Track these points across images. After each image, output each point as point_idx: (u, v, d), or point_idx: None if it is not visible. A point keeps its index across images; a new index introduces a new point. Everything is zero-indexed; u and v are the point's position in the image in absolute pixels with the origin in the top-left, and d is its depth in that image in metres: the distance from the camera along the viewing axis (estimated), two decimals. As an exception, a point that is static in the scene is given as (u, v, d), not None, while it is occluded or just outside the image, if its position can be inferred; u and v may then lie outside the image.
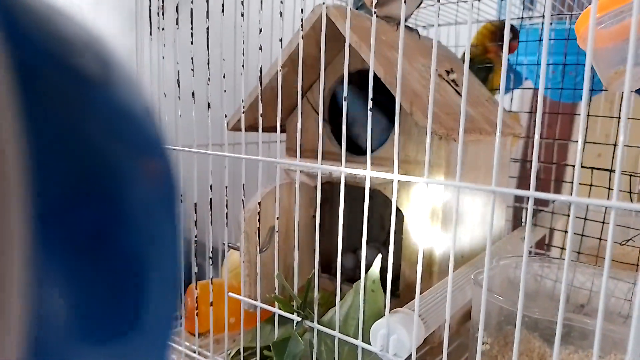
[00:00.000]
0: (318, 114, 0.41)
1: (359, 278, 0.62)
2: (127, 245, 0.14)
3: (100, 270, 0.13)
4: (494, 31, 0.72)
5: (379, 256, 0.39)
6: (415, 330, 0.34)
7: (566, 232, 0.62)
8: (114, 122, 0.14)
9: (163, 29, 0.48)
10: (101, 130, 0.13)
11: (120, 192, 0.14)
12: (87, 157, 0.13)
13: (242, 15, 0.42)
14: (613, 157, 0.58)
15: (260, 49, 0.41)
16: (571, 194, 0.29)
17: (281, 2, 0.39)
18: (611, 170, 0.55)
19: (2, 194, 0.11)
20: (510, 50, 0.72)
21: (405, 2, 0.32)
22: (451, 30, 0.80)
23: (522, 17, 0.72)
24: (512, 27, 0.71)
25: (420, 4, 0.40)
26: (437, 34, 0.32)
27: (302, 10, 0.39)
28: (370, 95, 0.34)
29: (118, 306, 0.14)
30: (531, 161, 0.74)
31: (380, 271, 0.41)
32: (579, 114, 0.79)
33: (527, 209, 0.29)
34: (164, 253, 0.16)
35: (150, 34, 0.49)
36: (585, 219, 0.60)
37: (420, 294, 0.42)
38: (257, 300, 0.44)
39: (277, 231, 0.43)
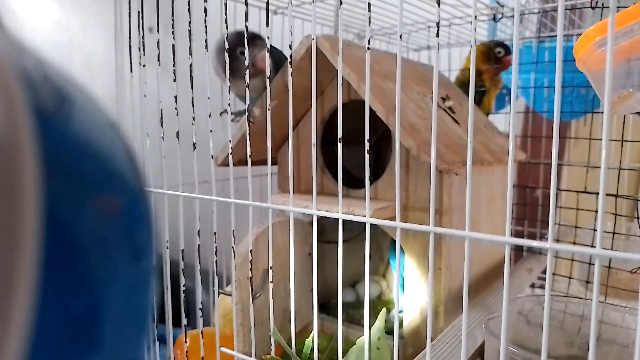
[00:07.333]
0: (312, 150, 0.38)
1: (360, 315, 0.59)
2: (78, 277, 0.14)
3: (50, 301, 0.13)
4: (486, 52, 0.70)
5: (384, 310, 0.36)
6: (426, 391, 0.31)
7: (572, 260, 0.60)
8: (64, 158, 0.14)
9: (144, 66, 0.46)
10: (49, 166, 0.13)
11: (67, 227, 0.14)
12: None
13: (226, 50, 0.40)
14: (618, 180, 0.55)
15: (247, 87, 0.38)
16: (561, 220, 0.26)
17: (267, 37, 0.37)
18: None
19: None
20: (504, 67, 0.71)
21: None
22: (443, 53, 0.78)
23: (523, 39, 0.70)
24: (504, 44, 0.69)
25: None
26: (437, 68, 0.30)
27: (290, 46, 0.36)
28: (367, 137, 0.32)
29: (71, 339, 0.14)
30: (532, 187, 0.72)
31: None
32: (571, 137, 0.78)
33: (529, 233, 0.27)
34: (120, 286, 0.16)
35: (131, 71, 0.46)
36: (592, 246, 0.57)
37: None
38: (251, 356, 0.41)
39: (271, 282, 0.40)
